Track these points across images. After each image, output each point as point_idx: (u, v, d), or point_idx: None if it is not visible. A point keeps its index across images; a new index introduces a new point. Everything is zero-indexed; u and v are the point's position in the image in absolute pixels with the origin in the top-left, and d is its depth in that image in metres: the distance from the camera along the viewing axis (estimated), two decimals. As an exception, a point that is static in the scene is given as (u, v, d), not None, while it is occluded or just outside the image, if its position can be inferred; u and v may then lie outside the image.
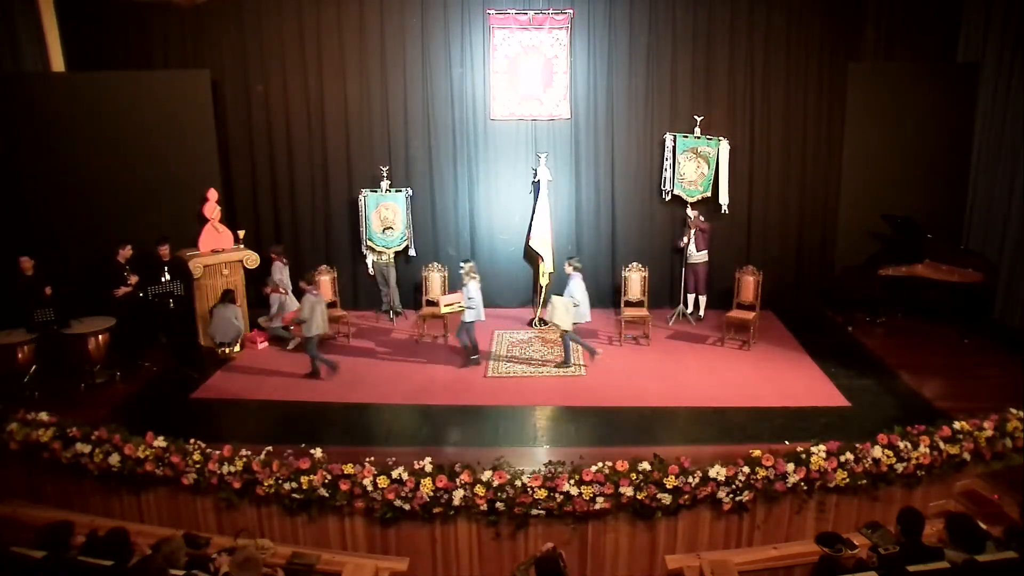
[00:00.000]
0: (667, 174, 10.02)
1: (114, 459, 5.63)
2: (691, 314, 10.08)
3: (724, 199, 9.88)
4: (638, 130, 10.21)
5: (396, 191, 10.01)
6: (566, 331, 8.43)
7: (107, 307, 8.33)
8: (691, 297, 10.08)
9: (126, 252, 8.50)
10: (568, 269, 8.73)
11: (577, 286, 8.52)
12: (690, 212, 9.83)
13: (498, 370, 8.49)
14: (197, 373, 8.34)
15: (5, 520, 5.31)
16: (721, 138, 9.79)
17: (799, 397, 7.63)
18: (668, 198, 10.13)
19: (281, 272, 9.32)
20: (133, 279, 8.43)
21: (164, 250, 8.71)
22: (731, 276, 9.62)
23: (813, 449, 5.51)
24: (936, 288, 9.12)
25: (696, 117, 9.90)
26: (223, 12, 9.80)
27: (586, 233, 10.53)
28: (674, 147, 9.89)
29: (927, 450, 5.60)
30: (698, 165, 9.75)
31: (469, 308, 8.37)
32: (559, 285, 9.54)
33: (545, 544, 4.61)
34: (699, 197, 9.87)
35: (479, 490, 5.27)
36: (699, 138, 9.84)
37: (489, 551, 5.44)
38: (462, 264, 8.76)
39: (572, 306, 8.37)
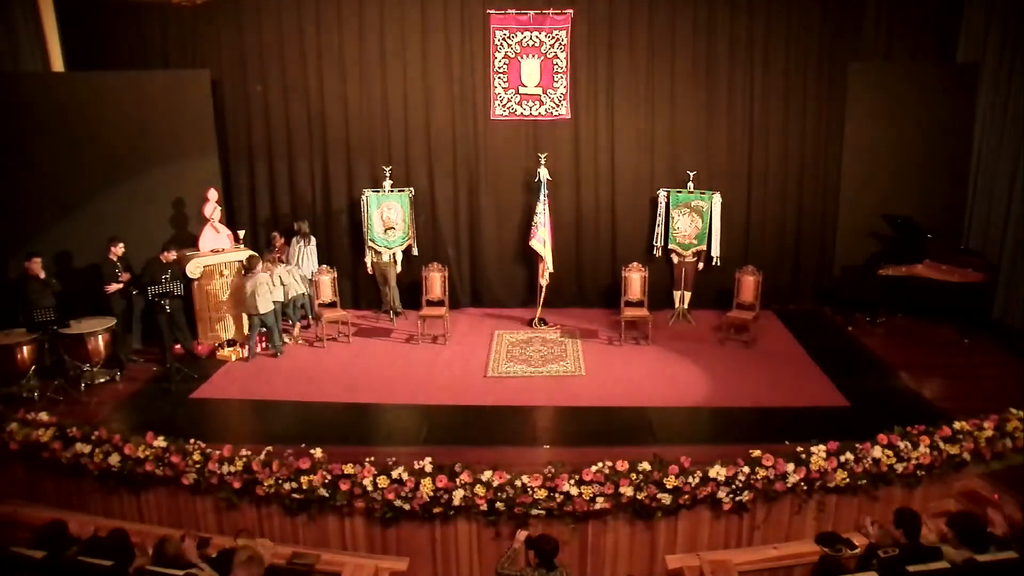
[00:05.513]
0: (659, 230, 10.07)
1: (114, 459, 5.63)
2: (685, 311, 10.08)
3: (716, 251, 9.92)
4: (638, 130, 10.20)
5: (399, 191, 10.02)
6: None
7: (107, 307, 8.32)
8: (677, 294, 10.09)
9: (118, 249, 8.46)
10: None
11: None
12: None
13: (498, 370, 8.49)
14: (196, 373, 8.32)
15: (5, 520, 5.31)
16: (714, 192, 9.84)
17: (799, 397, 7.63)
18: (659, 254, 10.15)
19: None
20: (124, 276, 8.42)
21: (169, 255, 8.69)
22: (731, 276, 9.62)
23: (813, 449, 5.52)
24: (936, 288, 9.12)
25: (689, 172, 9.94)
26: (223, 12, 9.78)
27: (586, 233, 10.52)
28: (667, 203, 9.97)
29: (927, 450, 5.61)
30: (692, 219, 9.89)
31: None
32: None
33: (520, 533, 4.53)
34: (694, 251, 9.91)
35: (479, 490, 5.27)
36: (692, 193, 9.90)
37: (489, 551, 5.43)
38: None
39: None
